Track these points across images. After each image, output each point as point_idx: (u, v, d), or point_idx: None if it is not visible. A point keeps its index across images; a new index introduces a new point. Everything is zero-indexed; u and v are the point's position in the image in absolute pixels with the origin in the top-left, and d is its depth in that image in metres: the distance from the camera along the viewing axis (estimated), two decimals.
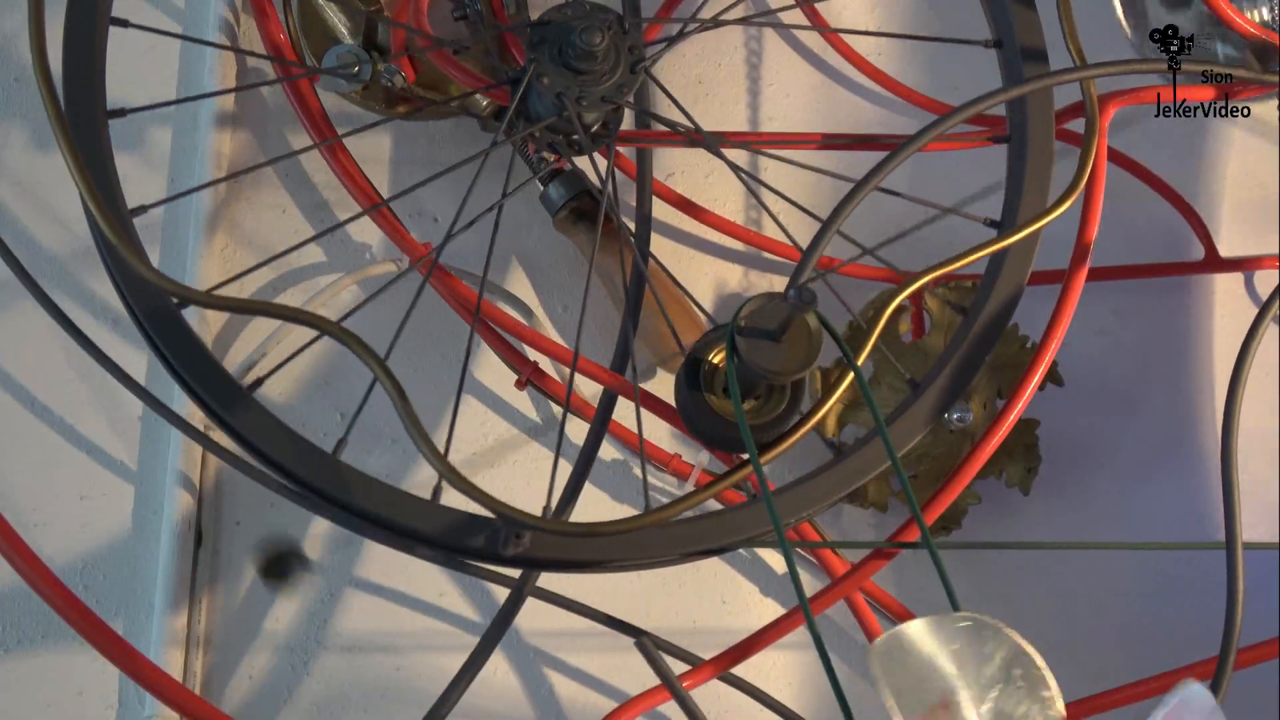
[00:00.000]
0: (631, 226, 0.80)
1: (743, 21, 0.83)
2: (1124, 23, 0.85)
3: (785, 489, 0.63)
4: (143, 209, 0.60)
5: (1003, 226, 0.69)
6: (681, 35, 0.81)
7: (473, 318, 0.70)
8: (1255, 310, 0.92)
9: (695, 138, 0.73)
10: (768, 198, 0.83)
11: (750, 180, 0.74)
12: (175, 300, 0.58)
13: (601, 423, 0.71)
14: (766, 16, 0.93)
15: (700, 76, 0.92)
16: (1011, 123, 0.71)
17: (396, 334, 0.63)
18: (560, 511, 0.68)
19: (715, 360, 0.57)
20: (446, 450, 0.56)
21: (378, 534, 0.59)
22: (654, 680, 0.71)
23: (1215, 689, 0.63)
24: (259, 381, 0.60)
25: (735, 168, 0.72)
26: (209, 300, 0.56)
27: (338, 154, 0.77)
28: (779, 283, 0.89)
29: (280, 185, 0.85)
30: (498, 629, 0.67)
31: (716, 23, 0.80)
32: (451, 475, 0.53)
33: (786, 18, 0.92)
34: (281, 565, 0.78)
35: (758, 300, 0.54)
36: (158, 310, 0.58)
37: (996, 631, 0.43)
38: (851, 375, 0.57)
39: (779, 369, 0.53)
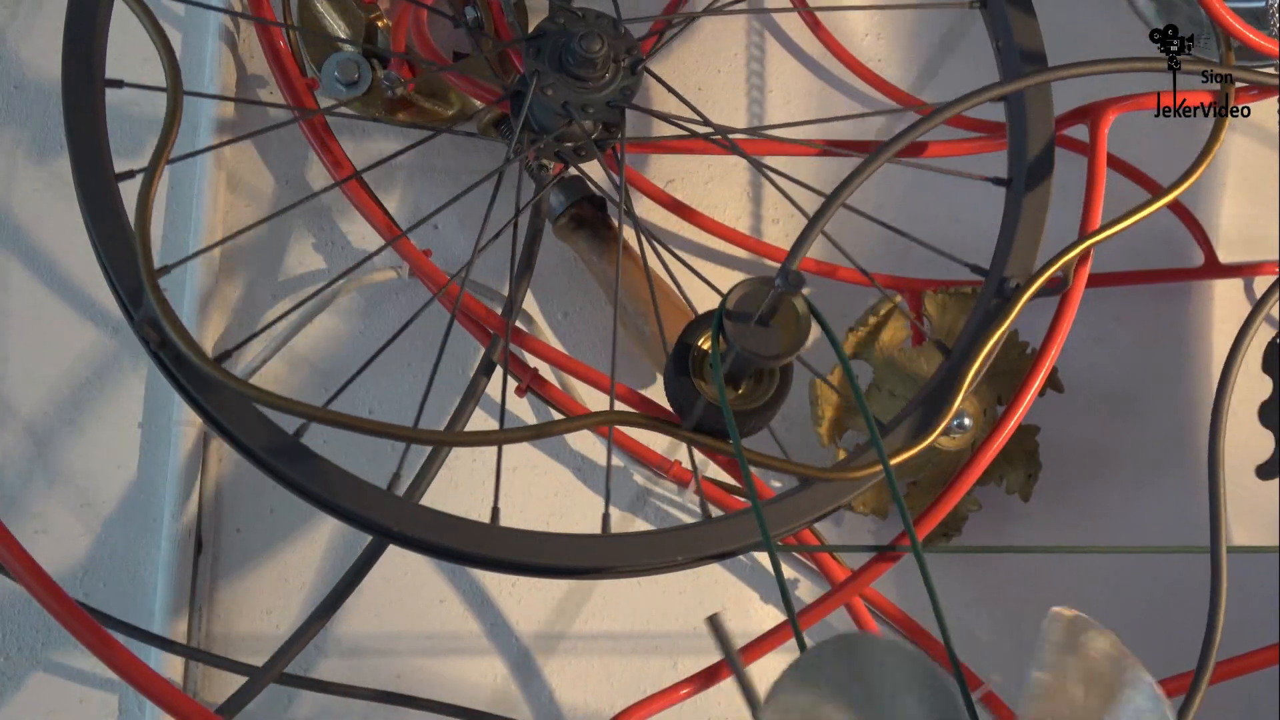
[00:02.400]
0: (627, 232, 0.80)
1: (727, 11, 0.83)
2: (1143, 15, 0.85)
3: (781, 497, 0.62)
4: (166, 269, 0.59)
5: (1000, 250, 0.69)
6: (670, 29, 0.81)
7: (502, 334, 0.70)
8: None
9: (705, 132, 0.73)
10: (771, 188, 0.83)
11: (756, 162, 0.74)
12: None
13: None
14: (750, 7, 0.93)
15: (700, 83, 0.92)
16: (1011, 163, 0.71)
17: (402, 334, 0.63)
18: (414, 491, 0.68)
19: (704, 345, 0.57)
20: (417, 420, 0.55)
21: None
22: (654, 685, 0.71)
23: (1189, 697, 0.63)
24: (228, 353, 0.60)
25: (742, 153, 0.72)
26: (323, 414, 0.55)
27: (356, 189, 0.76)
28: None
29: (282, 193, 0.85)
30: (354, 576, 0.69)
31: (708, 11, 0.80)
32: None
33: (787, 45, 0.92)
34: None
35: (746, 285, 0.54)
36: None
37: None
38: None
39: (767, 353, 0.53)
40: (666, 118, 0.75)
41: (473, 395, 0.74)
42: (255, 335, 0.67)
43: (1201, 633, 0.68)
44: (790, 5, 0.92)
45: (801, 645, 0.46)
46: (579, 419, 0.57)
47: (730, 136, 0.75)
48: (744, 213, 0.90)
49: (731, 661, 0.54)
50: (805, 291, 0.53)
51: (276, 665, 0.69)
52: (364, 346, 0.83)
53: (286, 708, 0.77)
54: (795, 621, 0.47)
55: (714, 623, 0.51)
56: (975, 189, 0.73)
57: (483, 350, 0.80)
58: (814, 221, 0.61)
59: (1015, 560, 0.84)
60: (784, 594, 0.47)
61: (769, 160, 0.91)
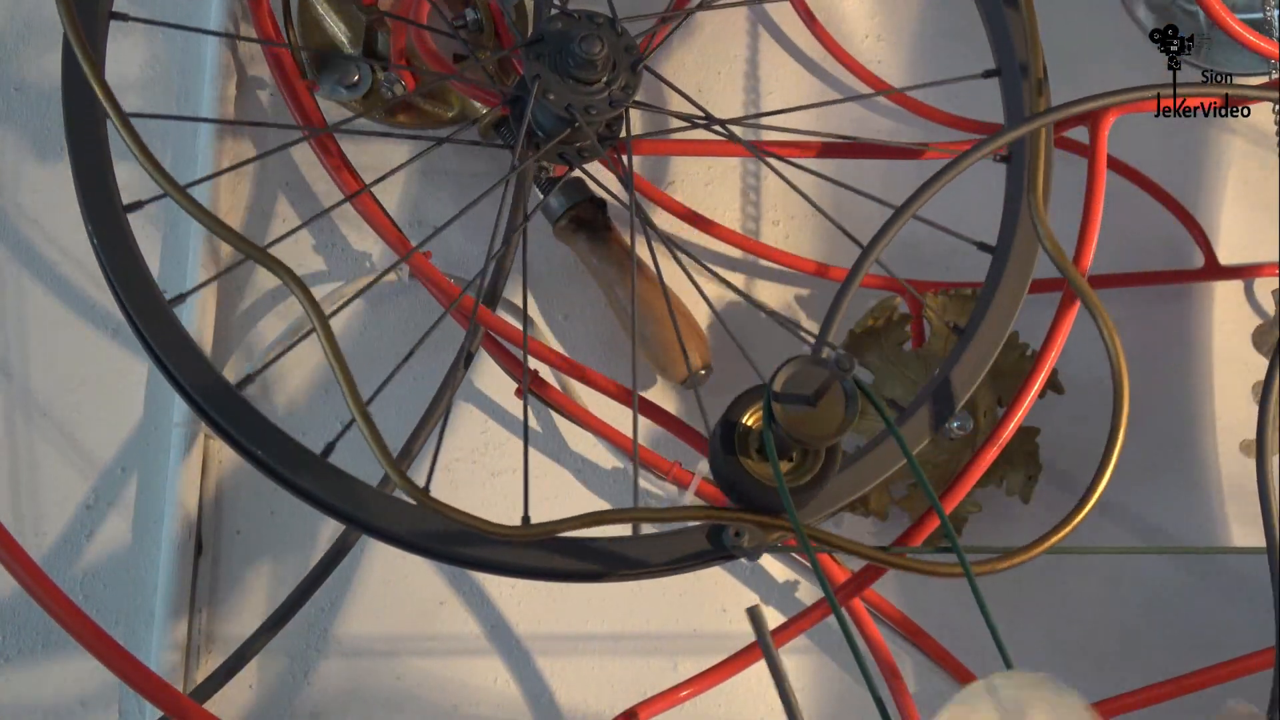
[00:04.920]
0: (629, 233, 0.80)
1: (721, 5, 0.83)
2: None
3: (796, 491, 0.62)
4: (181, 298, 0.60)
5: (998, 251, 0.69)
6: (670, 25, 0.81)
7: (522, 355, 0.70)
8: (1255, 317, 0.92)
9: (704, 123, 0.73)
10: (770, 189, 0.83)
11: (756, 150, 0.74)
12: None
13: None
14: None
15: (700, 84, 0.92)
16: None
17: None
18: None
19: (749, 423, 0.56)
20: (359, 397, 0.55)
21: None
22: (654, 687, 0.71)
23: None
24: (249, 379, 0.60)
25: (743, 141, 0.72)
26: None
27: (367, 202, 0.76)
28: (777, 288, 0.89)
29: (283, 198, 0.85)
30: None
31: (702, 6, 0.80)
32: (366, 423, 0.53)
33: (788, 48, 0.92)
34: None
35: (793, 364, 0.53)
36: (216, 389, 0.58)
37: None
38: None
39: (816, 434, 0.53)
40: (668, 112, 0.75)
41: (450, 384, 0.74)
42: (276, 358, 0.67)
43: (1201, 633, 0.68)
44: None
45: (854, 648, 0.45)
46: (684, 509, 0.56)
47: (729, 127, 0.75)
48: (744, 215, 0.90)
49: (768, 655, 0.53)
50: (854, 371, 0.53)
51: (249, 650, 0.72)
52: (364, 348, 0.83)
53: (287, 707, 0.77)
54: (836, 604, 0.46)
55: (754, 615, 0.50)
56: (976, 188, 0.73)
57: (480, 350, 0.80)
58: (845, 288, 0.61)
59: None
60: (824, 587, 0.47)
61: (774, 128, 0.91)
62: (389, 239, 0.75)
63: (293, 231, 0.69)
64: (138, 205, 0.61)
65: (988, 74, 0.73)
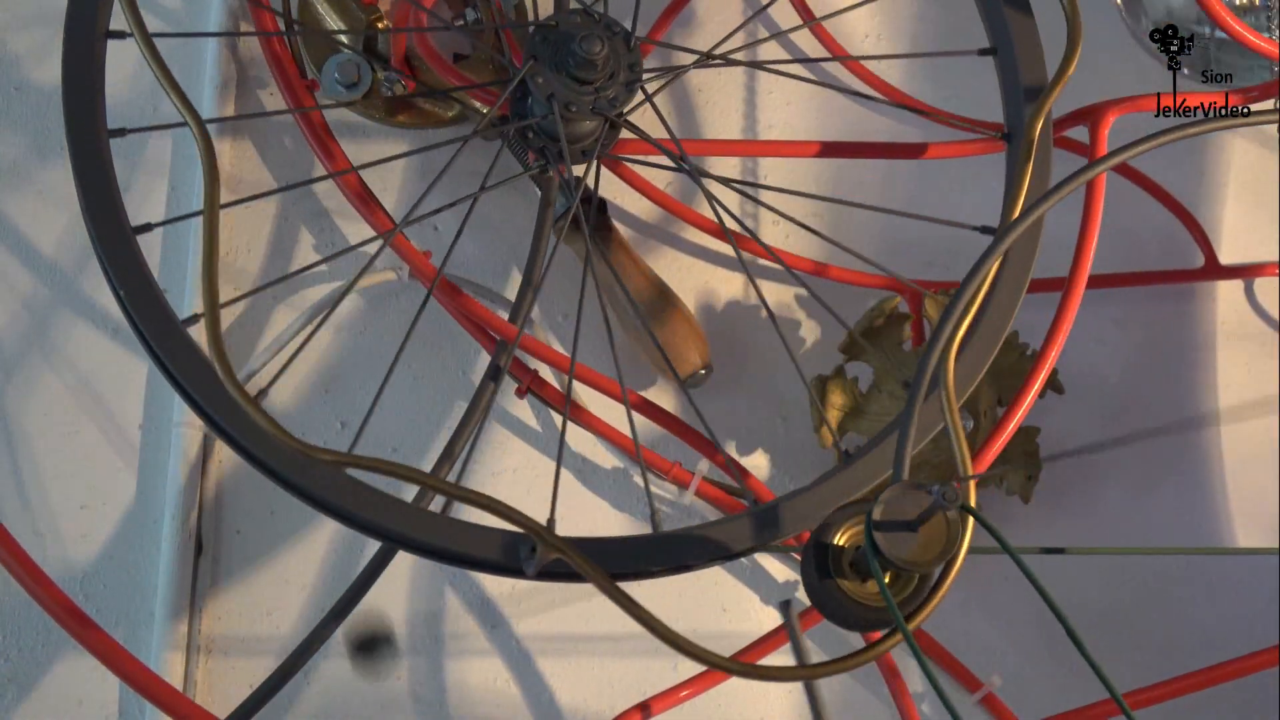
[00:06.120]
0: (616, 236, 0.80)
1: (749, 64, 0.83)
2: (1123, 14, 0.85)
3: (794, 494, 0.62)
4: (195, 319, 0.60)
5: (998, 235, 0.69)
6: (681, 69, 0.82)
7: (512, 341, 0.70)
8: (1256, 317, 0.92)
9: (679, 166, 0.74)
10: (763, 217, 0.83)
11: (728, 213, 0.75)
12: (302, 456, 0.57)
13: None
14: (780, 59, 0.93)
15: (700, 85, 0.92)
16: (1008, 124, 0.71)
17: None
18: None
19: (840, 543, 0.56)
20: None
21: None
22: (654, 687, 0.71)
23: None
24: (264, 391, 0.61)
25: (715, 200, 0.73)
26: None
27: (351, 182, 0.76)
28: (776, 288, 0.89)
29: (283, 195, 0.85)
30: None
31: (726, 61, 0.79)
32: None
33: (794, 52, 0.92)
34: (371, 647, 0.78)
35: (896, 490, 0.52)
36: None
37: None
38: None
39: (916, 561, 0.52)
40: (649, 139, 0.74)
41: (478, 406, 0.74)
42: (285, 369, 0.67)
43: (1200, 632, 0.68)
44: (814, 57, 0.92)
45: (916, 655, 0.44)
46: (479, 495, 0.55)
47: (728, 56, 0.75)
48: (743, 214, 0.90)
49: (798, 651, 0.53)
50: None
51: (288, 670, 0.69)
52: (364, 348, 0.83)
53: (288, 707, 0.77)
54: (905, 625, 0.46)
55: (787, 609, 0.50)
56: (976, 188, 0.73)
57: (481, 349, 0.80)
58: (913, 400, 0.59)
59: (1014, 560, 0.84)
60: (884, 595, 0.46)
61: (765, 161, 0.91)
62: (371, 219, 0.75)
63: (256, 197, 0.68)
64: (146, 228, 0.61)
65: (983, 52, 0.73)
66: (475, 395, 0.75)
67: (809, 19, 0.89)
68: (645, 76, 0.72)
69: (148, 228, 0.61)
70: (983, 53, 0.73)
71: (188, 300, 0.80)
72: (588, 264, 0.72)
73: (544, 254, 0.75)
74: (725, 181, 0.77)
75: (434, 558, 0.59)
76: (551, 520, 0.61)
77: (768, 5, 0.89)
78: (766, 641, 0.71)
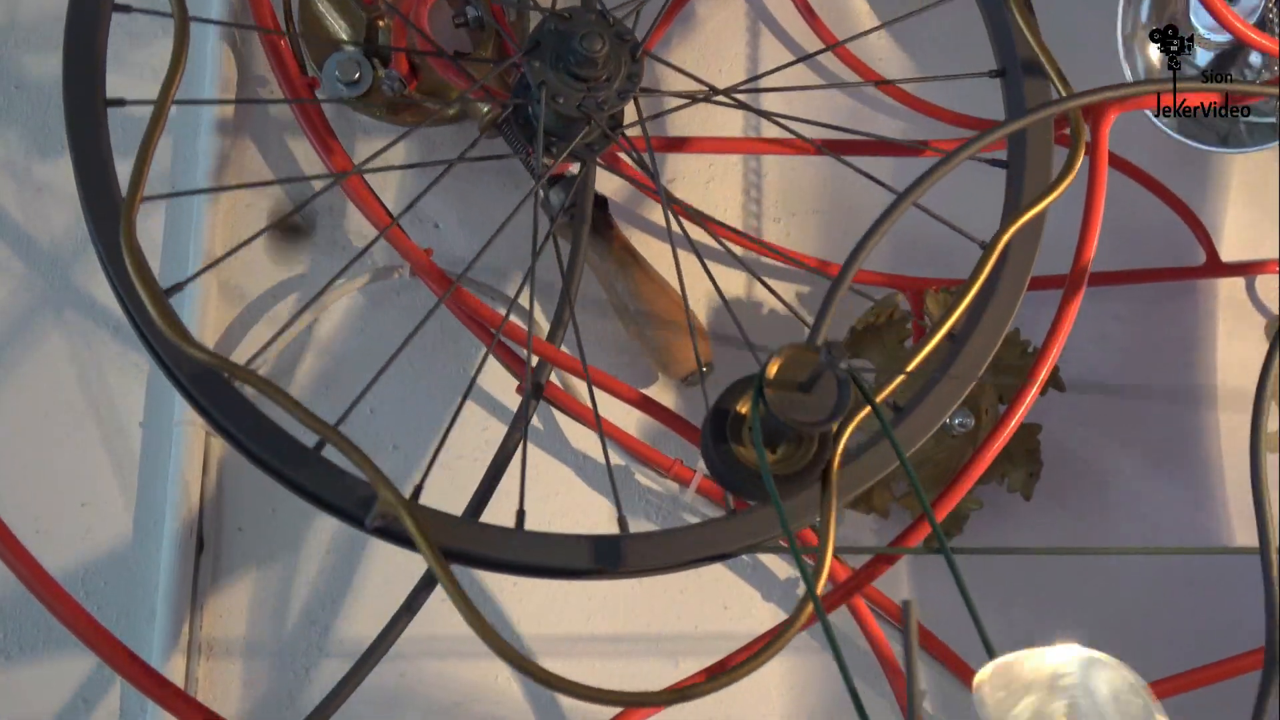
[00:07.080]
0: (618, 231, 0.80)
1: (741, 106, 0.83)
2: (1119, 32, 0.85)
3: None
4: (178, 287, 0.60)
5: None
6: (681, 104, 0.82)
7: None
8: (1257, 315, 0.92)
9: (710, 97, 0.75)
10: (771, 189, 0.83)
11: (763, 115, 0.75)
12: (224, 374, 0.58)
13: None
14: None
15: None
16: (1010, 150, 0.71)
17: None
18: (476, 512, 0.68)
19: (741, 410, 0.56)
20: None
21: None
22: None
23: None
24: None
25: (750, 107, 0.74)
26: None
27: (352, 181, 0.76)
28: (779, 285, 0.89)
29: (282, 192, 0.85)
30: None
31: (719, 95, 0.80)
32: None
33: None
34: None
35: (785, 351, 0.53)
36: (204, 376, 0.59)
37: (1105, 663, 0.43)
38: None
39: (807, 420, 0.53)
40: (673, 94, 0.77)
41: (523, 417, 0.73)
42: (270, 343, 0.67)
43: (1200, 632, 0.68)
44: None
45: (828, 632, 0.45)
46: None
47: (735, 95, 0.76)
48: (746, 212, 0.90)
49: (909, 653, 0.53)
50: (845, 362, 0.53)
51: (345, 688, 0.68)
52: (365, 346, 0.83)
53: (288, 707, 0.77)
54: (820, 610, 0.46)
55: (907, 609, 0.50)
56: (976, 187, 0.73)
57: (481, 346, 0.80)
58: (837, 283, 0.60)
59: (1016, 558, 0.84)
60: (809, 583, 0.47)
61: (767, 159, 0.91)
62: (372, 215, 0.75)
63: (254, 185, 0.68)
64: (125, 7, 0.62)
65: (993, 74, 0.73)
66: (515, 415, 0.73)
67: (831, 42, 0.90)
68: (644, 97, 0.73)
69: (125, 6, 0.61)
70: (992, 75, 0.73)
71: (189, 291, 0.81)
72: (576, 256, 0.72)
73: (579, 269, 0.75)
74: (735, 100, 0.77)
75: (299, 495, 0.59)
76: (420, 488, 0.61)
77: (810, 55, 0.89)
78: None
